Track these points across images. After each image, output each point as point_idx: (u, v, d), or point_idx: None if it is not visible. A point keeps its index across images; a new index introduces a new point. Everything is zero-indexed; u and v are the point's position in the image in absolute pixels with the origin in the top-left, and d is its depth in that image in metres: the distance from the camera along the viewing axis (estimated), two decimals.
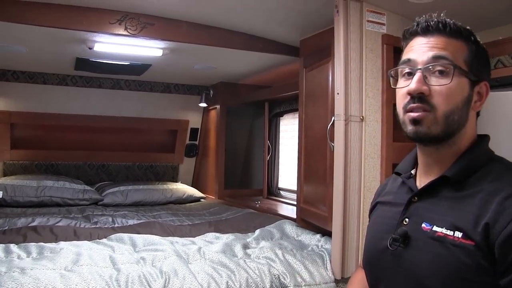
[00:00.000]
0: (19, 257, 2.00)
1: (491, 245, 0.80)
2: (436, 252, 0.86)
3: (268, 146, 4.51)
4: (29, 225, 2.72)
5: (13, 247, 2.10)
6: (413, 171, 1.05)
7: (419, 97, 0.91)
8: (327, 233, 2.50)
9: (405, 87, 0.94)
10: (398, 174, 1.09)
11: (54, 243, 2.23)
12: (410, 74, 0.95)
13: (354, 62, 2.13)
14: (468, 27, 0.95)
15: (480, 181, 0.89)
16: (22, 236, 2.39)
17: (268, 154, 4.50)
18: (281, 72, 3.78)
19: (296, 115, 3.46)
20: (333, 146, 2.18)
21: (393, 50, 2.16)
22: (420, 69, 0.92)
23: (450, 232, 0.85)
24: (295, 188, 3.04)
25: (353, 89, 2.12)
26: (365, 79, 2.14)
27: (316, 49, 2.61)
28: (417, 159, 1.04)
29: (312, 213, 2.63)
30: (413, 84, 0.92)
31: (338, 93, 2.12)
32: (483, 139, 0.99)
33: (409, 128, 0.94)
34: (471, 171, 0.91)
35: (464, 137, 0.95)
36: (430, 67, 0.92)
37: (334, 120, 2.17)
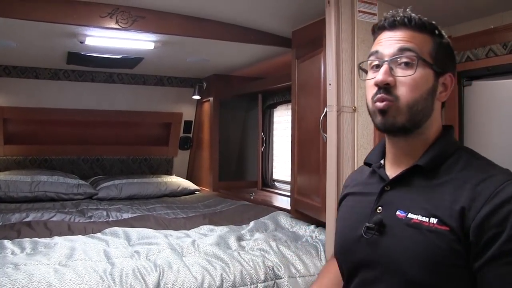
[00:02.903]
0: (13, 252, 1.99)
1: (466, 229, 0.84)
2: (412, 238, 0.90)
3: (262, 138, 4.50)
4: (23, 220, 2.71)
5: (7, 243, 2.09)
6: (381, 161, 1.09)
7: (385, 88, 0.96)
8: (321, 224, 2.51)
9: (372, 78, 0.99)
10: (368, 164, 1.12)
11: (48, 238, 2.23)
12: (378, 67, 0.99)
13: (345, 53, 2.12)
14: (433, 22, 0.99)
15: (451, 169, 0.94)
16: (16, 232, 2.39)
17: (262, 146, 4.50)
18: (274, 63, 3.77)
19: (290, 106, 3.45)
20: (326, 137, 2.19)
21: None
22: (386, 61, 0.96)
23: (425, 219, 0.89)
24: (289, 179, 3.04)
25: (345, 80, 2.12)
26: (357, 70, 2.14)
27: (308, 40, 2.61)
28: (385, 150, 1.08)
29: (306, 204, 2.64)
30: (379, 75, 0.96)
31: (330, 84, 2.12)
32: (449, 129, 1.03)
33: (378, 118, 0.98)
34: (442, 160, 0.96)
35: (432, 127, 0.99)
36: (397, 59, 0.96)
37: (326, 111, 2.17)
